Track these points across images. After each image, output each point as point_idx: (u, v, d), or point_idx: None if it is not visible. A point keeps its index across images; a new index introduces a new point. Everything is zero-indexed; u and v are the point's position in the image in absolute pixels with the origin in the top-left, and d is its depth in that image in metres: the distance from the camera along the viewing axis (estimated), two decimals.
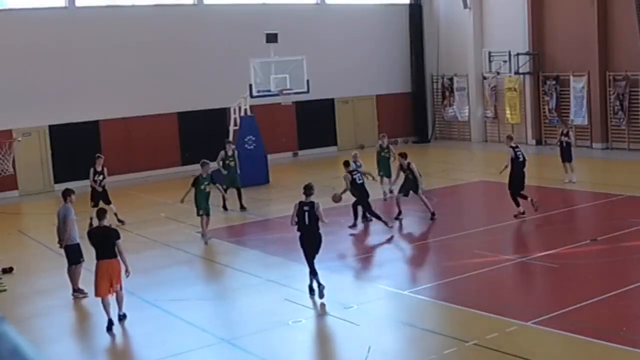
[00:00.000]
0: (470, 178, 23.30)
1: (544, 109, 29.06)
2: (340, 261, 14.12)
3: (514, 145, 17.10)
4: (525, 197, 16.64)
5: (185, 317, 11.19)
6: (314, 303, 11.50)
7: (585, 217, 17.83)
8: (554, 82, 28.56)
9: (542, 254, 13.41)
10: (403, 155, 17.66)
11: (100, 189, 18.26)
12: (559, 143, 21.23)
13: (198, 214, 16.49)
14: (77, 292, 12.54)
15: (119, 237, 11.07)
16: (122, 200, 21.27)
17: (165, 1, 28.02)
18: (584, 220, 17.49)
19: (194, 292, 12.69)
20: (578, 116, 27.82)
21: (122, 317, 11.24)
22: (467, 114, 32.37)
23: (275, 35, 23.01)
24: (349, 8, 32.02)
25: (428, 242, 15.88)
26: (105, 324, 10.87)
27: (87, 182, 24.68)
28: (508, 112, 30.55)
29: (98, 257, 11.05)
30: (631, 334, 9.18)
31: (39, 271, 14.89)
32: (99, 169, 18.40)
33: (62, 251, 12.89)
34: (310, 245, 11.94)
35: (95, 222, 12.74)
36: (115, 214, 18.40)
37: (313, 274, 11.85)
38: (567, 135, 21.18)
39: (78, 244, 12.58)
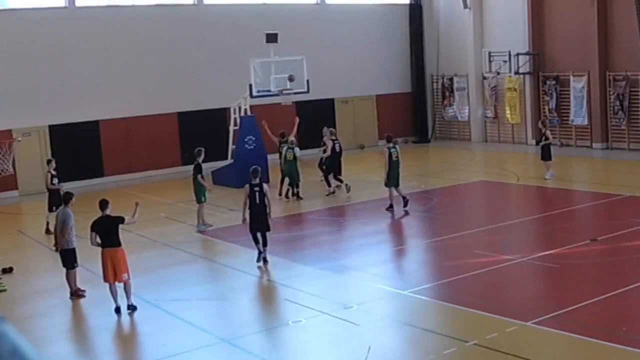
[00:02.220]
0: (470, 178, 23.29)
1: (544, 109, 29.05)
2: (340, 261, 14.11)
3: (334, 138, 21.85)
4: (341, 181, 21.03)
5: (185, 317, 11.19)
6: (314, 303, 11.51)
7: (585, 217, 17.82)
8: (554, 82, 28.56)
9: (542, 254, 13.41)
10: (389, 139, 18.67)
11: (61, 192, 17.63)
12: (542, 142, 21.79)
13: (200, 201, 16.94)
14: (76, 292, 12.52)
15: (122, 222, 11.65)
16: (122, 200, 21.23)
17: (165, 1, 28.02)
18: (584, 220, 17.49)
19: (194, 292, 12.69)
20: (578, 116, 27.81)
21: (130, 308, 11.55)
22: (467, 114, 32.36)
23: (275, 35, 22.99)
24: (349, 8, 32.01)
25: (428, 242, 15.88)
26: (113, 311, 11.46)
27: (86, 182, 24.92)
28: (508, 112, 30.54)
29: (102, 245, 11.51)
30: (631, 334, 9.17)
31: (39, 271, 14.90)
32: (53, 172, 17.89)
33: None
34: (261, 222, 13.65)
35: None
36: (48, 223, 17.59)
37: (264, 245, 13.66)
38: (544, 134, 21.74)
39: (74, 249, 12.57)
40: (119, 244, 11.52)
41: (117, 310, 11.44)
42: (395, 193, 18.21)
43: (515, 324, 9.73)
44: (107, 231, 11.50)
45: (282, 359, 9.80)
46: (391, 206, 18.21)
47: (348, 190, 20.74)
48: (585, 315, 10.03)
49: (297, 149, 20.79)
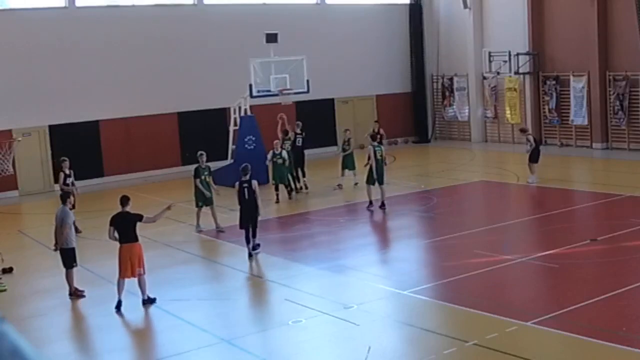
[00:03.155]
0: (470, 178, 23.29)
1: (544, 109, 29.05)
2: (340, 261, 14.12)
3: (299, 132, 22.35)
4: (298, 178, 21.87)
5: (185, 317, 11.20)
6: (314, 303, 11.51)
7: (585, 217, 17.82)
8: (554, 82, 28.55)
9: (542, 254, 13.41)
10: (373, 137, 19.08)
11: (77, 193, 17.40)
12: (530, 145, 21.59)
13: (197, 206, 16.88)
14: (75, 292, 12.52)
15: (140, 220, 11.88)
16: None
17: (165, 1, 28.02)
18: (584, 220, 17.49)
19: (194, 292, 12.69)
20: (578, 116, 27.81)
21: (147, 301, 11.71)
22: (467, 114, 32.35)
23: (275, 35, 23.00)
24: (349, 8, 32.00)
25: (428, 242, 15.88)
26: (114, 305, 11.58)
27: (86, 182, 24.87)
28: (508, 112, 30.53)
29: (120, 241, 11.71)
30: (631, 334, 9.18)
31: (39, 271, 14.89)
32: (67, 172, 17.98)
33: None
34: (250, 216, 14.32)
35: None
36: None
37: (253, 236, 14.32)
38: (527, 139, 21.74)
39: (73, 249, 12.58)
40: (135, 239, 11.74)
41: (118, 305, 11.50)
42: (374, 191, 18.49)
43: (515, 324, 9.73)
44: (124, 227, 11.75)
45: (282, 359, 9.79)
46: (371, 203, 18.52)
47: (302, 187, 21.69)
48: (585, 315, 10.03)
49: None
